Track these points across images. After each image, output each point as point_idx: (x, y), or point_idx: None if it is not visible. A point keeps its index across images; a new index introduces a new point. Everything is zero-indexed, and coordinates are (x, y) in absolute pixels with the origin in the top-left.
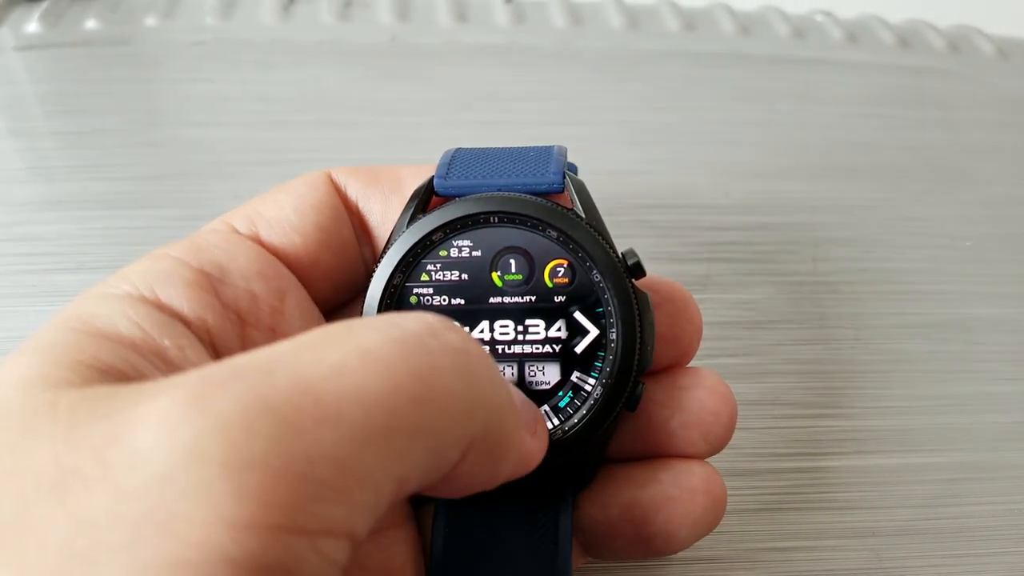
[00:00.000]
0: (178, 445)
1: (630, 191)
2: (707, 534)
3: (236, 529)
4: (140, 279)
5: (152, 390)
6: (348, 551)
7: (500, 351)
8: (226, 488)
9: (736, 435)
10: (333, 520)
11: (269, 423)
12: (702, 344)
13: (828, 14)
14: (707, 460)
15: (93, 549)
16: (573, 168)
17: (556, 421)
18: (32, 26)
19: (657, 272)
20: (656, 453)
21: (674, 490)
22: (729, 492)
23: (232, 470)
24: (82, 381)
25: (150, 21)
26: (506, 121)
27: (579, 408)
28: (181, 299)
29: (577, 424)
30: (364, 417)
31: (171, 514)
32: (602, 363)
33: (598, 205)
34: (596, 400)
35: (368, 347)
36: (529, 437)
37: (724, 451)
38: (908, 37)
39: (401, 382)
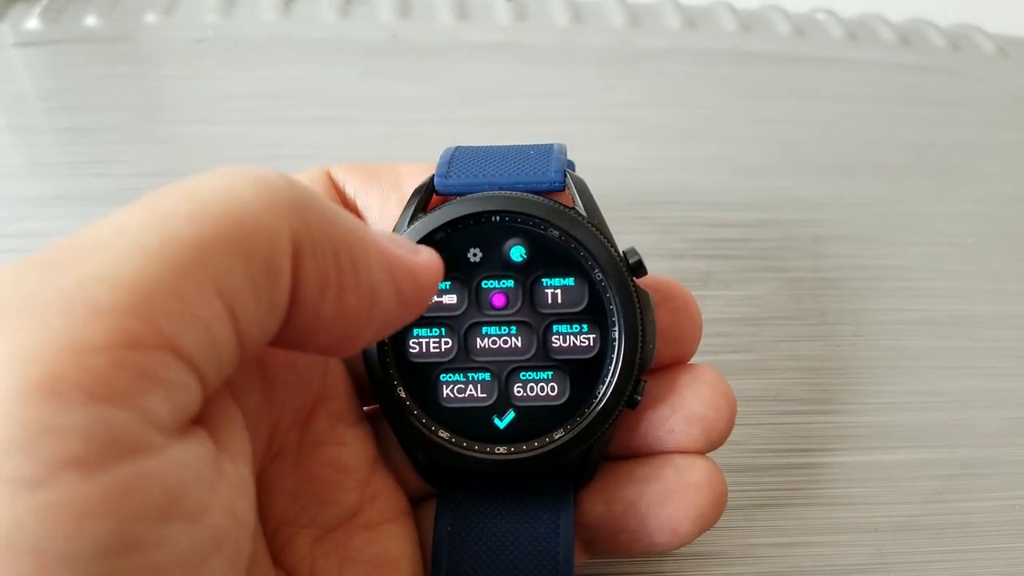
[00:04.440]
0: None
1: (631, 188)
2: (709, 528)
3: (9, 361)
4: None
5: None
6: (182, 368)
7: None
8: None
9: (737, 431)
10: (128, 332)
11: (33, 269)
12: (703, 340)
13: (829, 12)
14: (708, 455)
15: None
16: (571, 165)
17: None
18: (32, 22)
19: (658, 268)
20: (657, 450)
21: (677, 485)
22: (731, 488)
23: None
24: None
25: (150, 18)
26: (507, 118)
27: (582, 408)
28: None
29: (580, 423)
30: (133, 239)
31: None
32: (604, 363)
33: (599, 202)
34: (598, 399)
35: (144, 198)
36: (397, 247)
37: (725, 447)
38: (909, 35)
39: (171, 204)
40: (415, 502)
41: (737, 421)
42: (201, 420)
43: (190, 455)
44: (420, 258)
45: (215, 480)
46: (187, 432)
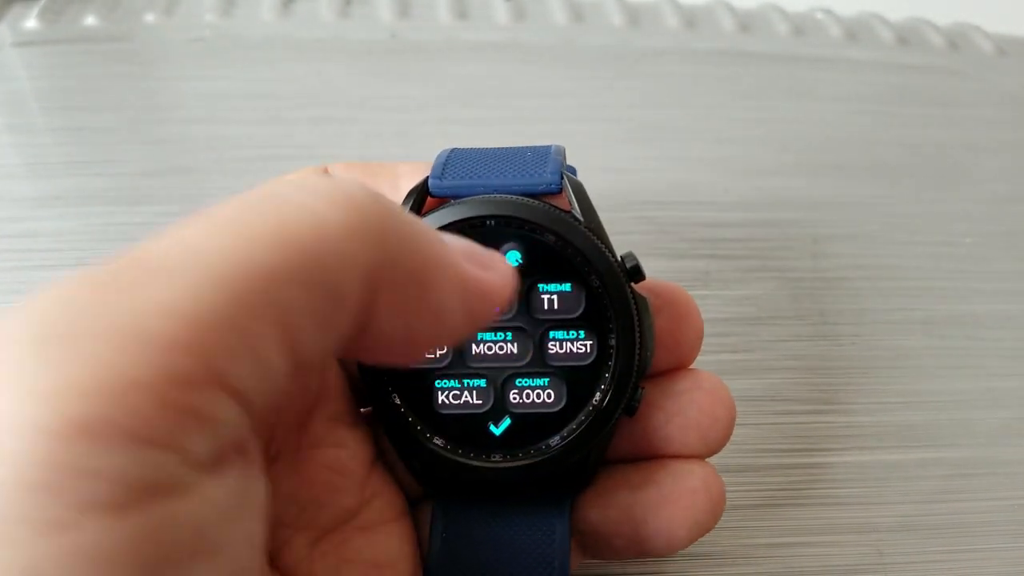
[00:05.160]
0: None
1: (630, 188)
2: (706, 533)
3: (48, 397)
4: None
5: None
6: (230, 404)
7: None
8: (33, 361)
9: (736, 431)
10: (180, 370)
11: (85, 292)
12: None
13: (828, 12)
14: (706, 459)
15: None
16: (572, 170)
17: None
18: (31, 22)
19: (657, 268)
20: (654, 455)
21: (674, 490)
22: (729, 488)
23: (41, 342)
24: None
25: (149, 18)
26: (506, 118)
27: (578, 415)
28: None
29: (576, 430)
30: (199, 264)
31: None
32: (601, 369)
33: (598, 202)
34: (595, 406)
35: (215, 212)
36: (471, 267)
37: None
38: (907, 35)
39: (250, 226)
40: (414, 503)
41: (735, 421)
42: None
43: (222, 490)
44: (494, 277)
45: (239, 511)
46: (223, 465)
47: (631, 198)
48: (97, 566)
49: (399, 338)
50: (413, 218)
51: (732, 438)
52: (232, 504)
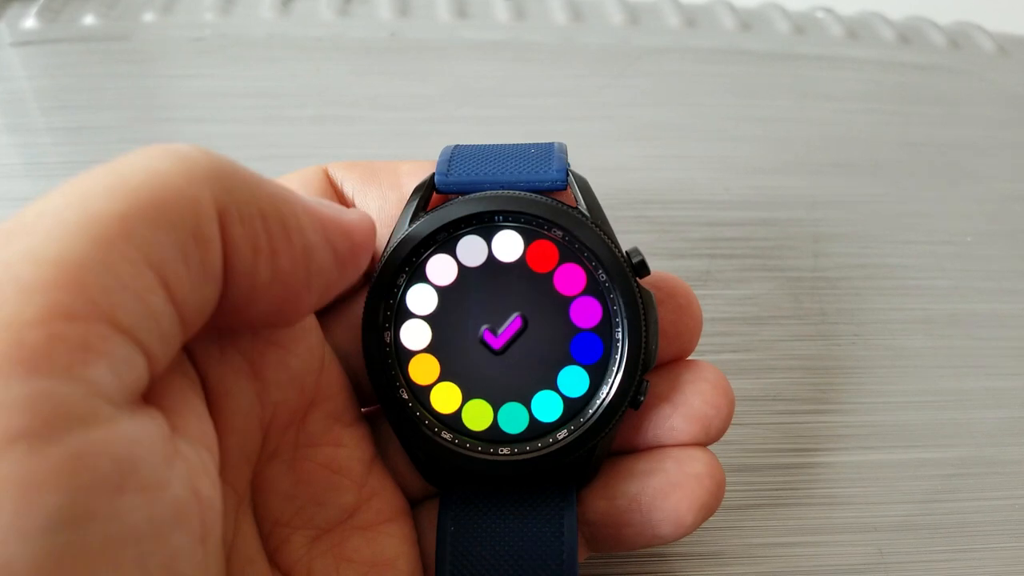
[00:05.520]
0: None
1: (630, 187)
2: (710, 517)
3: None
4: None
5: None
6: (123, 340)
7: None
8: None
9: (736, 431)
10: (58, 305)
11: None
12: (702, 340)
13: (828, 10)
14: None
15: None
16: None
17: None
18: (29, 22)
19: (658, 268)
20: (659, 445)
21: (679, 477)
22: (730, 488)
23: None
24: None
25: (148, 17)
26: (506, 117)
27: (586, 408)
28: None
29: (584, 424)
30: (53, 219)
31: None
32: (608, 363)
33: (599, 201)
34: (601, 399)
35: (64, 184)
36: (327, 209)
37: (724, 447)
38: (908, 34)
39: (90, 184)
40: (414, 502)
41: (736, 421)
42: (155, 402)
43: (142, 430)
44: (352, 216)
45: (171, 456)
46: (138, 409)
47: (631, 197)
48: (24, 494)
49: (270, 282)
50: (250, 170)
51: (732, 438)
52: (158, 448)
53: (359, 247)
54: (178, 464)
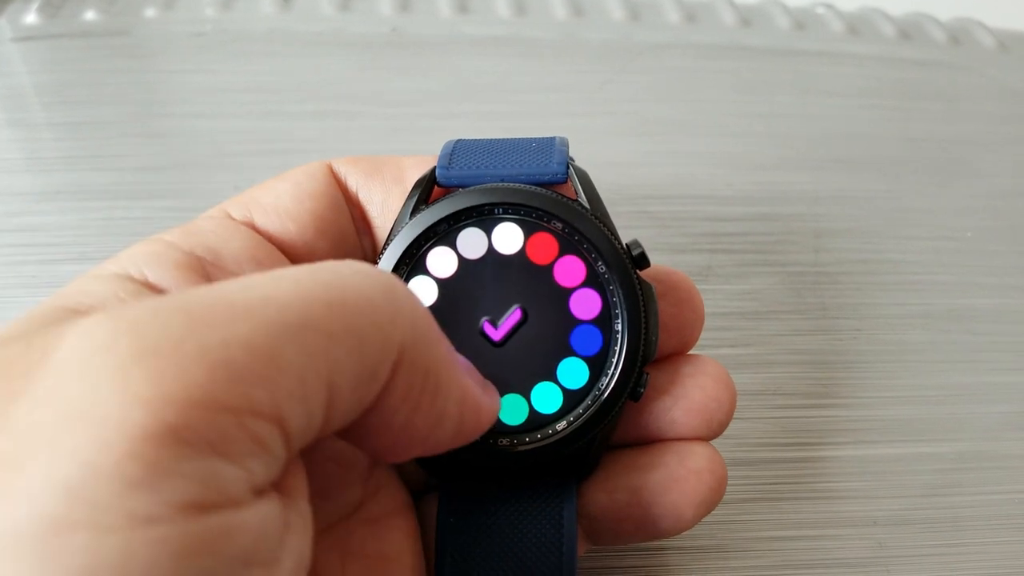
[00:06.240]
0: (91, 344)
1: (631, 182)
2: (711, 511)
3: (152, 404)
4: (131, 261)
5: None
6: (280, 442)
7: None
8: (139, 371)
9: (737, 425)
10: (255, 401)
11: (181, 318)
12: (704, 334)
13: (829, 6)
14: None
15: (17, 453)
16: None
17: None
18: (30, 17)
19: (658, 263)
20: (659, 439)
21: (681, 471)
22: (730, 482)
23: (145, 355)
24: None
25: (149, 12)
26: (507, 112)
27: (585, 399)
28: (170, 280)
29: (583, 415)
30: (277, 314)
31: (86, 404)
32: (608, 355)
33: (599, 194)
34: (601, 391)
35: (281, 272)
36: (472, 383)
37: (725, 441)
38: (909, 29)
39: (311, 288)
40: (417, 496)
41: (737, 415)
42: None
43: (270, 511)
44: (489, 400)
45: (285, 532)
46: (267, 492)
47: (632, 192)
48: (181, 557)
49: (398, 430)
50: (434, 321)
51: (732, 432)
52: (278, 526)
53: (481, 428)
54: (289, 537)
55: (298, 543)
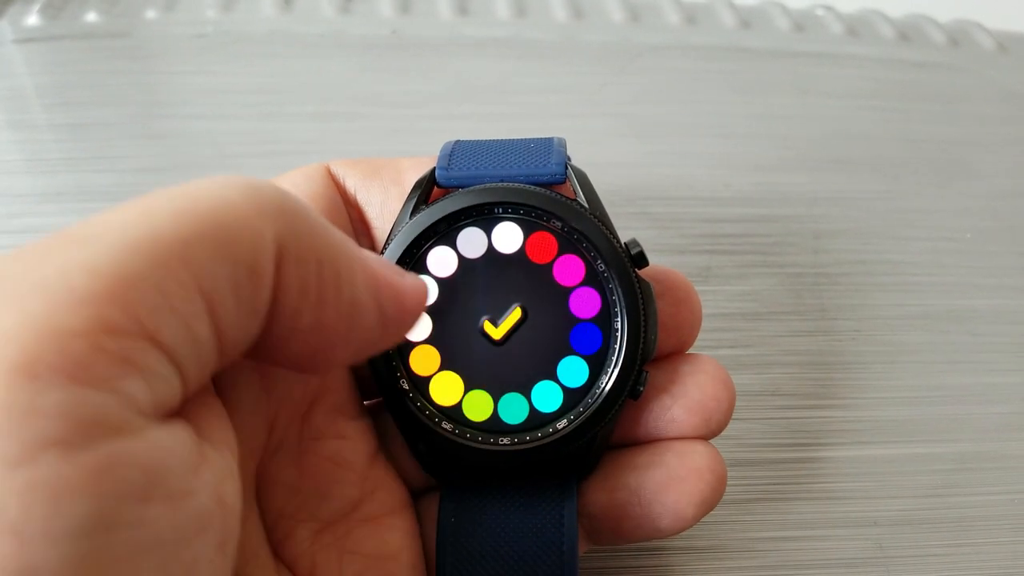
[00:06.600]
0: None
1: (631, 183)
2: (711, 510)
3: None
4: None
5: None
6: (162, 359)
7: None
8: None
9: (737, 425)
10: (106, 319)
11: (13, 259)
12: (703, 335)
13: (828, 8)
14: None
15: None
16: None
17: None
18: (32, 19)
19: (658, 264)
20: (659, 437)
21: (681, 470)
22: (730, 482)
23: None
24: None
25: (150, 14)
26: (507, 114)
27: (585, 398)
28: None
29: (583, 413)
30: (120, 232)
31: None
32: (608, 353)
33: (598, 194)
34: (601, 389)
35: (131, 201)
36: (385, 268)
37: (725, 441)
38: (908, 31)
39: (157, 204)
40: (416, 495)
41: (736, 416)
42: (183, 414)
43: (170, 440)
44: (408, 281)
45: (197, 464)
46: (167, 421)
47: (631, 194)
48: (54, 499)
49: (311, 330)
50: (318, 213)
51: (732, 432)
52: (185, 457)
53: (408, 312)
54: (204, 472)
55: (215, 479)
